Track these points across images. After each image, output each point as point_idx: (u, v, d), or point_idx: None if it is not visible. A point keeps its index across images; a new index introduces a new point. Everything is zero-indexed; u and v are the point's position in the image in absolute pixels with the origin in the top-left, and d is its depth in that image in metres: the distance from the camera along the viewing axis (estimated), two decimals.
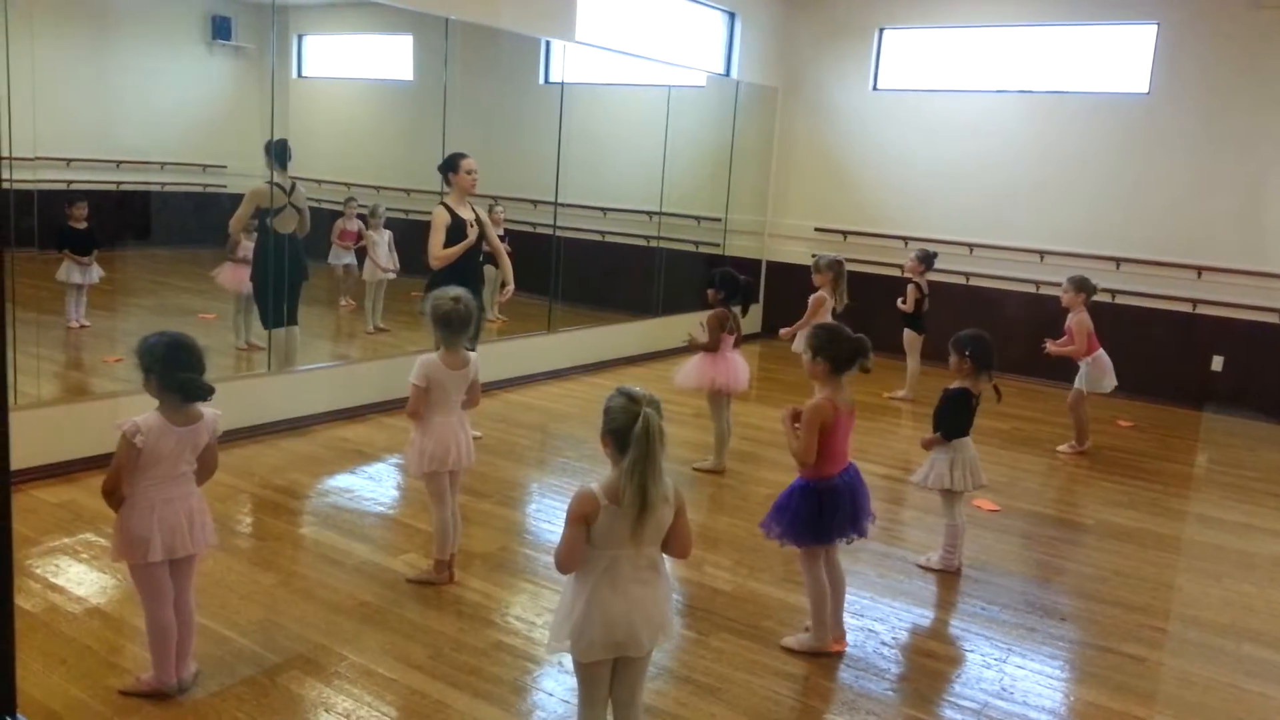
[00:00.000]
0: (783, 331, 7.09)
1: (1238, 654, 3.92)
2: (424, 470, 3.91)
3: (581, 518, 2.50)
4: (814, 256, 7.24)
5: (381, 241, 8.25)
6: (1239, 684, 3.67)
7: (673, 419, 6.51)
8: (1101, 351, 6.70)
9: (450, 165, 5.76)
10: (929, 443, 4.51)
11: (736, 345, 5.84)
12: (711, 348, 5.71)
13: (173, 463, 2.97)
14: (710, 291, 5.80)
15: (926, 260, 8.03)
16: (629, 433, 2.44)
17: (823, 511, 3.57)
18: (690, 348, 5.82)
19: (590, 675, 2.62)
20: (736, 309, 5.82)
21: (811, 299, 6.93)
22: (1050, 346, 6.81)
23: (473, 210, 5.81)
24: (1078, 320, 6.68)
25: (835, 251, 10.04)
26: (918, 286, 7.98)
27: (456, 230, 5.66)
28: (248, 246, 6.62)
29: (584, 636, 2.53)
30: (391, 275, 8.25)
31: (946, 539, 4.52)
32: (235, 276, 6.97)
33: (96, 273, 7.02)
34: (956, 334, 4.59)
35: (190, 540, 3.03)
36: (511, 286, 5.95)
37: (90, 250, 6.89)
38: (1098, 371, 6.67)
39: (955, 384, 4.53)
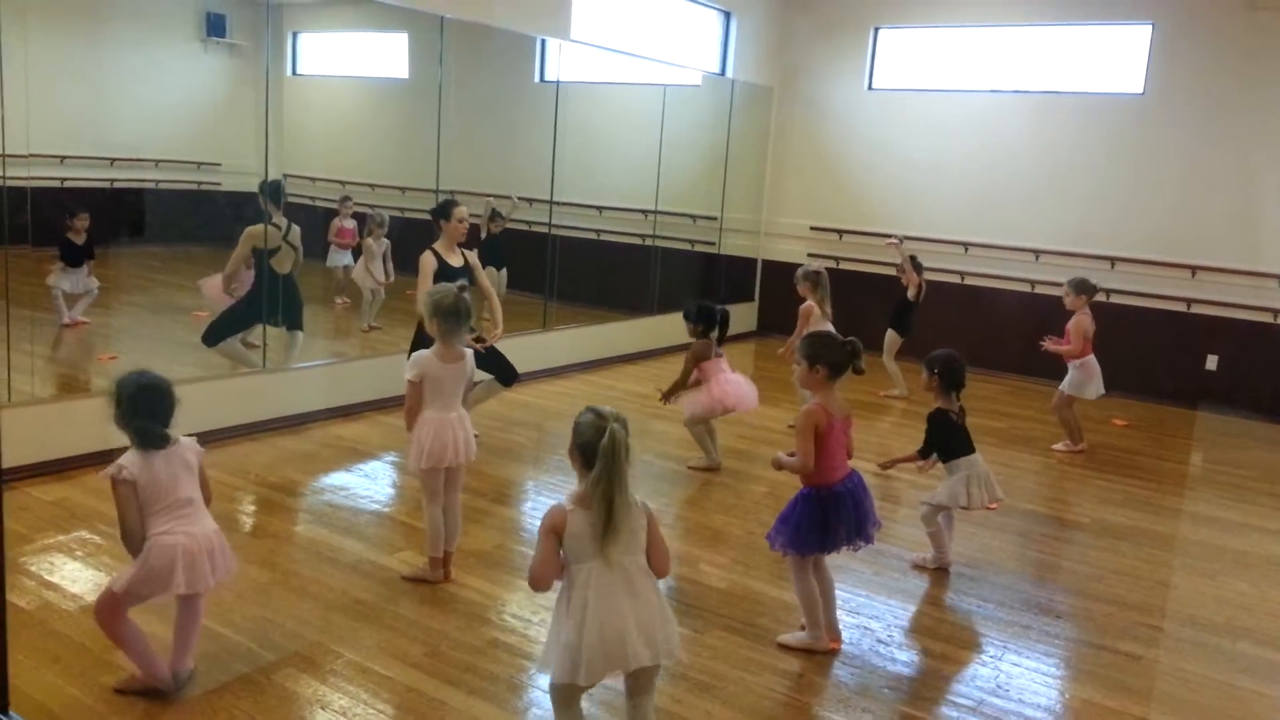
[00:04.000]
0: (781, 351, 7.07)
1: (1233, 652, 3.93)
2: (421, 466, 3.90)
3: (551, 529, 2.56)
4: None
5: (379, 252, 8.20)
6: (1234, 682, 3.68)
7: (665, 416, 6.51)
8: (1092, 358, 6.70)
9: (442, 212, 5.71)
10: (921, 467, 4.61)
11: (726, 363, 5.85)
12: (681, 385, 5.76)
13: (173, 487, 2.98)
14: (689, 326, 5.83)
15: (918, 267, 8.05)
16: (596, 447, 2.51)
17: (827, 519, 3.57)
18: (665, 397, 5.83)
19: (564, 697, 2.65)
20: (714, 336, 5.83)
21: (801, 310, 6.93)
22: (1048, 344, 6.82)
23: (462, 255, 5.78)
24: (1076, 323, 6.70)
25: (831, 247, 10.10)
26: (919, 289, 7.99)
27: (444, 276, 5.58)
28: (246, 279, 6.52)
29: (581, 655, 2.51)
30: (378, 288, 8.18)
31: (934, 543, 4.54)
32: (219, 291, 6.89)
33: (89, 284, 7.00)
34: (931, 352, 4.63)
35: (211, 576, 3.04)
36: (500, 331, 5.74)
37: (82, 261, 6.90)
38: (1084, 376, 6.69)
39: (935, 405, 4.58)
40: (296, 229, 6.29)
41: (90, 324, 7.10)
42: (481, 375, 5.82)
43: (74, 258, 6.85)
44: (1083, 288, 6.75)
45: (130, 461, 2.93)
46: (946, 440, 4.51)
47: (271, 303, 6.19)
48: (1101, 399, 6.89)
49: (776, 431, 6.75)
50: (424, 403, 3.89)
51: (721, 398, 5.69)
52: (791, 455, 3.67)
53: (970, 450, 4.51)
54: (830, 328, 6.83)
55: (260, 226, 6.12)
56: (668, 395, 5.82)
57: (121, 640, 3.04)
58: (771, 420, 6.99)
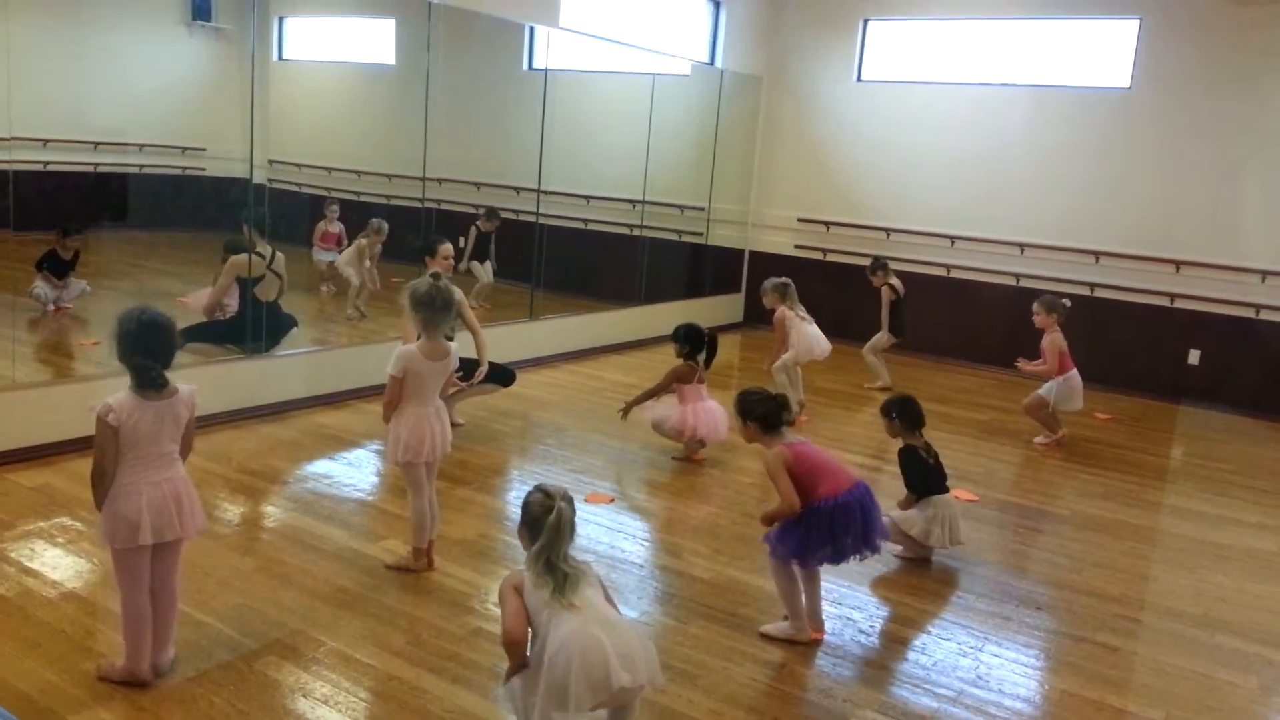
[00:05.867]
0: (765, 367, 7.05)
1: (1210, 644, 3.97)
2: (399, 459, 3.91)
3: (514, 588, 2.68)
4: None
5: (370, 252, 8.16)
6: (1211, 673, 3.72)
7: (646, 406, 6.52)
8: (1075, 372, 6.74)
9: (428, 249, 5.73)
10: (905, 503, 4.60)
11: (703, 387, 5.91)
12: (648, 396, 5.84)
13: (154, 440, 2.93)
14: (675, 347, 5.88)
15: (882, 267, 8.09)
16: (542, 524, 2.67)
17: (834, 530, 3.56)
18: (628, 407, 5.86)
19: None
20: (700, 359, 5.86)
21: (775, 320, 6.93)
22: (1023, 366, 6.89)
23: None
24: (1050, 340, 6.76)
25: (819, 239, 10.13)
26: (891, 289, 8.01)
27: None
28: (232, 304, 6.48)
29: (570, 688, 2.52)
30: (364, 282, 8.17)
31: (901, 544, 4.58)
32: (201, 307, 6.85)
33: (77, 288, 6.99)
34: (886, 399, 4.73)
35: (179, 524, 3.00)
36: (485, 369, 5.59)
37: (66, 274, 6.89)
38: (1068, 390, 6.73)
39: (902, 444, 4.65)
40: (281, 257, 6.25)
41: (72, 309, 7.06)
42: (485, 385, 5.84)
43: (58, 272, 6.87)
44: (1054, 306, 6.81)
45: (119, 405, 2.87)
46: (922, 476, 4.56)
47: (255, 329, 6.16)
48: (1084, 393, 6.93)
49: None
50: (404, 397, 3.88)
51: (694, 424, 5.73)
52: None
53: (942, 489, 4.56)
54: (814, 327, 6.87)
55: (244, 256, 6.09)
56: (631, 404, 5.84)
57: (128, 614, 2.99)
58: None
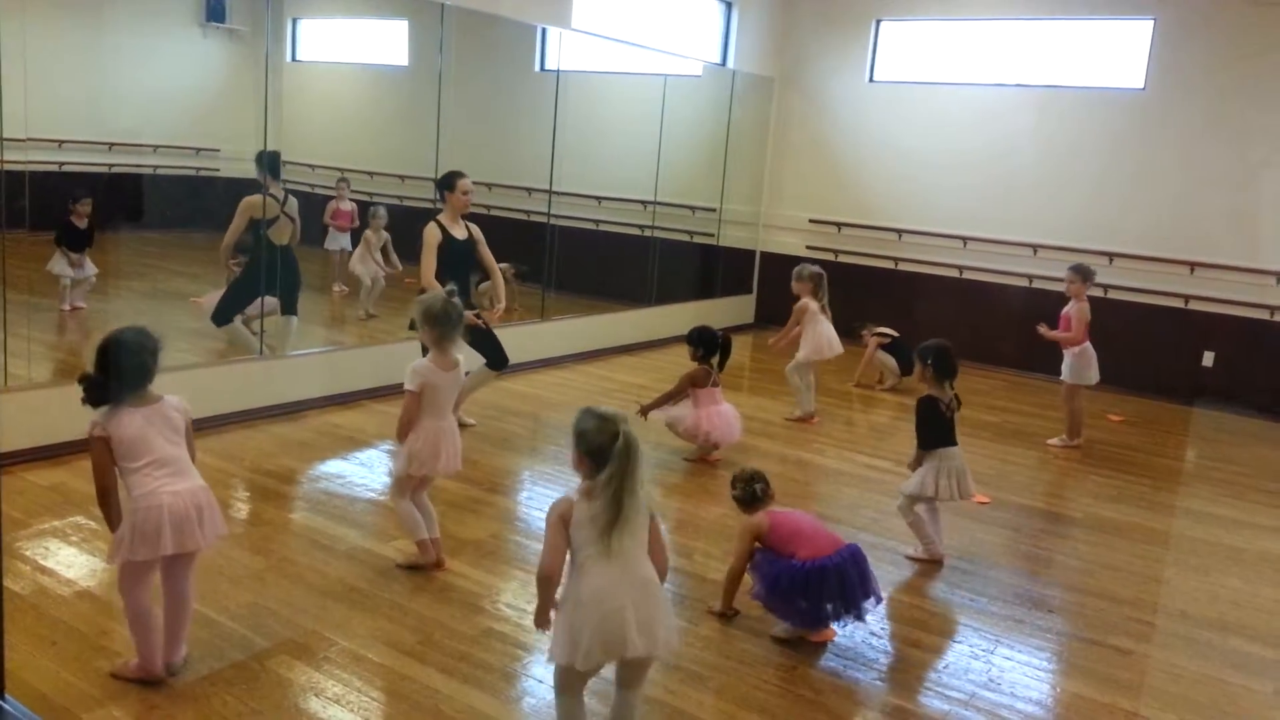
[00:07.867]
0: (771, 343, 7.07)
1: (1224, 648, 3.94)
2: (409, 472, 3.91)
3: (560, 519, 2.58)
4: (797, 269, 7.17)
5: (378, 244, 8.23)
6: (1225, 677, 3.70)
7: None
8: (1089, 344, 6.71)
9: (446, 183, 5.74)
10: (914, 462, 4.58)
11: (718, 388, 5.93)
12: (665, 401, 5.85)
13: (152, 444, 2.93)
14: (690, 350, 5.91)
15: (864, 326, 8.23)
16: (609, 451, 2.49)
17: (808, 591, 3.54)
18: (646, 410, 5.85)
19: (564, 682, 2.70)
20: (715, 361, 5.90)
21: (796, 307, 6.91)
22: (1045, 332, 6.80)
23: (466, 228, 5.79)
24: (1079, 309, 6.68)
25: (830, 240, 10.10)
26: (881, 337, 8.09)
27: (448, 248, 5.61)
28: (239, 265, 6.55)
29: (581, 638, 2.53)
30: (377, 274, 8.23)
31: (917, 534, 4.56)
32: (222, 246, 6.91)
33: (89, 269, 7.02)
34: (922, 343, 4.72)
35: (201, 534, 3.00)
36: (503, 305, 5.81)
37: (83, 247, 6.91)
38: (1082, 363, 6.69)
39: (924, 393, 4.63)
40: (294, 200, 6.32)
41: (86, 309, 7.10)
42: (473, 354, 5.85)
43: (75, 243, 6.87)
44: (1089, 274, 6.75)
45: (104, 416, 2.89)
46: (934, 429, 4.53)
47: (270, 274, 6.19)
48: (1098, 393, 6.91)
49: (774, 424, 6.76)
50: (419, 412, 3.89)
51: (709, 428, 5.75)
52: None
53: (950, 442, 4.53)
54: (830, 328, 6.87)
55: (258, 197, 6.13)
56: (649, 408, 5.85)
57: (134, 617, 3.01)
58: (768, 412, 7.00)
